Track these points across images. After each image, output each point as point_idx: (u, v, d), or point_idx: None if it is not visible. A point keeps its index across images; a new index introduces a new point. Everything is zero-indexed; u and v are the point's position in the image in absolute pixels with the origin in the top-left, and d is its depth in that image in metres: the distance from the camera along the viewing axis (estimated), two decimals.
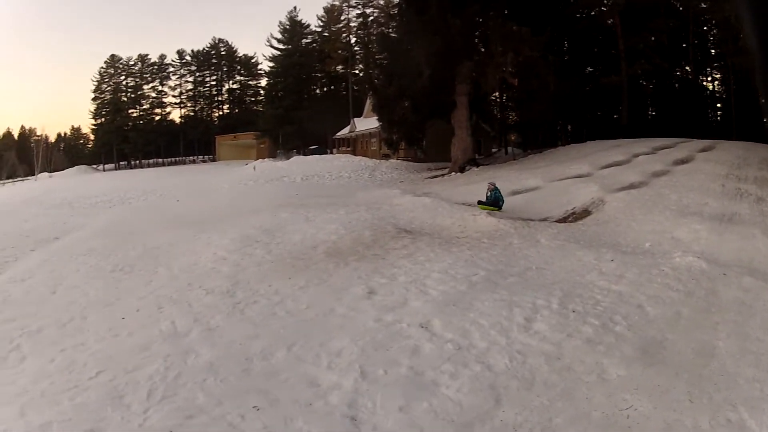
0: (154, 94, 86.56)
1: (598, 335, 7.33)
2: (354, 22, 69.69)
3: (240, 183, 34.93)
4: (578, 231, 14.34)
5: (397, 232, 14.42)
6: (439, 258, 11.71)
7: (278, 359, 7.24)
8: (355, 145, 53.47)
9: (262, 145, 71.04)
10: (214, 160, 77.22)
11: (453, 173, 29.43)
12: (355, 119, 53.77)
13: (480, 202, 17.57)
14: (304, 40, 72.82)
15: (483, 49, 29.36)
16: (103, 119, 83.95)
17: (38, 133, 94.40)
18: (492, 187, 17.84)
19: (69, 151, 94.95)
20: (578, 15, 39.73)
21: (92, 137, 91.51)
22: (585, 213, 16.01)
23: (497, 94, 39.23)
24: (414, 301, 9.12)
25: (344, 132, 57.06)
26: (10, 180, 76.24)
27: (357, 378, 6.54)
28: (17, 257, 17.07)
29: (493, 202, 17.27)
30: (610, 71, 37.95)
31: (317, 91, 74.56)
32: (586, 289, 9.24)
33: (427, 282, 10.05)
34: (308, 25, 73.68)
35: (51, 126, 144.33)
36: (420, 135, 32.70)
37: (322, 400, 6.15)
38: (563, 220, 15.87)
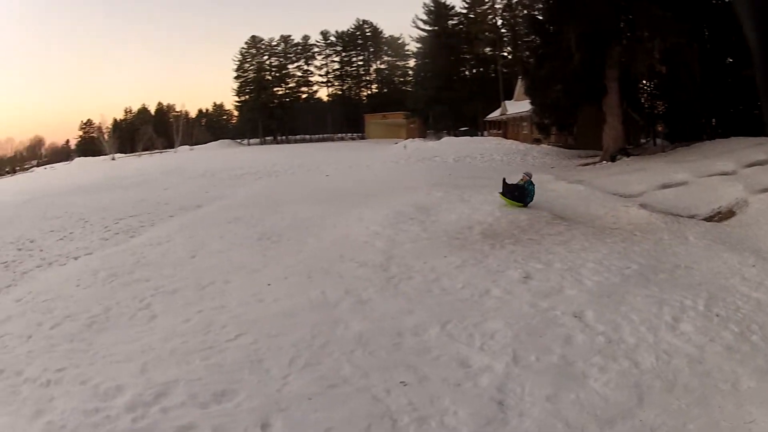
0: (299, 74, 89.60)
1: (737, 343, 6.83)
2: (499, 3, 68.84)
3: (390, 161, 35.20)
4: (724, 232, 13.39)
5: (552, 218, 14.06)
6: (594, 248, 11.32)
7: (430, 336, 7.18)
8: (505, 128, 52.83)
9: (411, 125, 71.71)
10: (362, 138, 78.71)
11: (604, 162, 28.36)
12: (506, 102, 53.05)
13: (504, 194, 15.39)
14: (450, 22, 72.49)
15: (629, 34, 28.10)
16: (247, 96, 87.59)
17: (177, 109, 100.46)
18: (527, 178, 15.90)
19: (211, 127, 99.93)
20: (715, 1, 37.18)
21: (236, 113, 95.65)
22: (730, 213, 14.85)
23: (645, 82, 37.39)
24: (569, 289, 8.84)
25: (495, 114, 56.48)
26: (147, 152, 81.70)
27: (509, 362, 6.40)
28: (154, 223, 18.29)
29: (520, 196, 15.28)
30: (750, 63, 34.47)
31: (466, 73, 74.07)
32: (729, 294, 8.60)
33: (582, 271, 9.72)
34: (452, 7, 73.33)
35: (191, 103, 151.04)
36: (571, 120, 31.88)
37: (472, 382, 6.05)
38: (710, 218, 14.83)
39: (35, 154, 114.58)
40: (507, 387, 5.92)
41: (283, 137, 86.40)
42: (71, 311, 9.68)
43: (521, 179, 15.97)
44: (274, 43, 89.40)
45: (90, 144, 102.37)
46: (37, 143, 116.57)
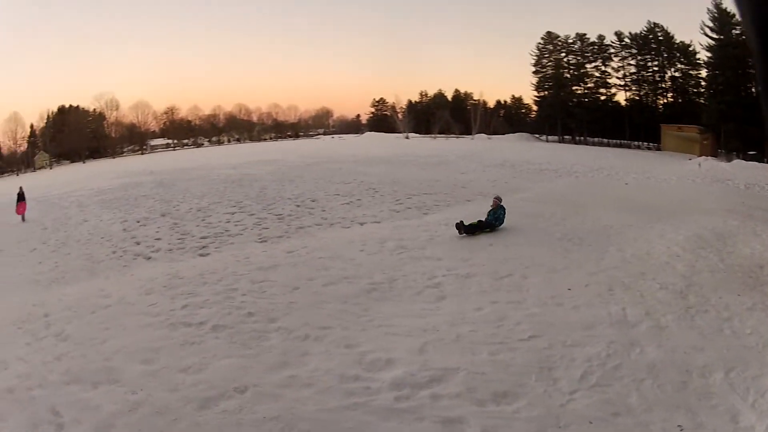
0: (597, 74, 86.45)
1: None
2: None
3: (686, 178, 32.44)
4: None
5: None
6: None
7: (715, 381, 6.41)
8: None
9: (705, 141, 66.15)
10: (658, 149, 74.66)
11: None
12: None
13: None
14: (734, 31, 65.04)
15: None
16: (546, 92, 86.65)
17: (475, 98, 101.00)
18: (497, 203, 14.88)
19: (509, 119, 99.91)
20: None
21: (534, 108, 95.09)
22: None
23: None
24: None
25: None
26: (443, 135, 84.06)
27: None
28: (449, 204, 18.63)
29: (486, 223, 14.24)
30: None
31: (751, 90, 66.18)
32: None
33: None
34: (734, 14, 65.27)
35: (489, 93, 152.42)
36: None
37: None
38: None
39: (322, 124, 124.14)
40: None
41: (581, 137, 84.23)
42: (350, 273, 10.31)
43: (491, 205, 15.00)
44: (570, 41, 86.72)
45: (382, 121, 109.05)
46: (325, 114, 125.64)
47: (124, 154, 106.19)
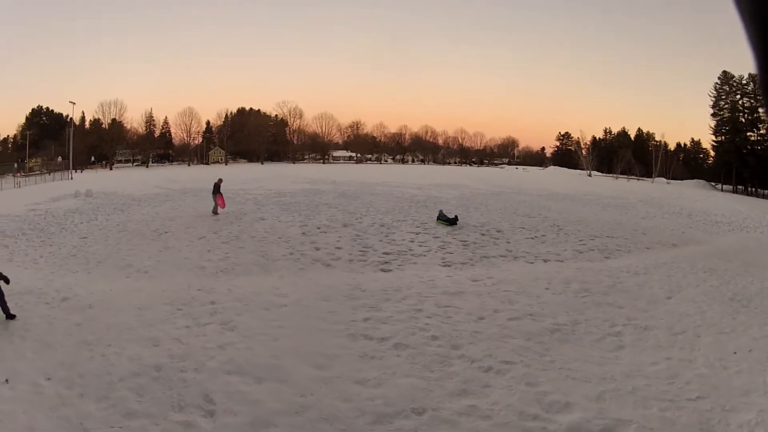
0: None
1: None
2: None
3: None
4: None
5: None
6: None
7: None
8: None
9: None
10: None
11: None
12: None
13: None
14: None
15: None
16: (722, 137, 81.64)
17: (656, 139, 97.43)
18: None
19: (688, 163, 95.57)
20: None
21: (712, 153, 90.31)
22: None
23: None
24: None
25: None
26: (624, 176, 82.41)
27: None
28: (630, 249, 17.90)
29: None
30: None
31: None
32: None
33: None
34: None
35: (670, 134, 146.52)
36: None
37: None
38: None
39: (507, 153, 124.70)
40: None
41: (752, 188, 78.42)
42: (535, 311, 10.14)
43: None
44: (744, 81, 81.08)
45: (565, 155, 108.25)
46: (510, 143, 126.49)
47: (305, 161, 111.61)
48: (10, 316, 10.03)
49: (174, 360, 7.76)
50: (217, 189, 24.10)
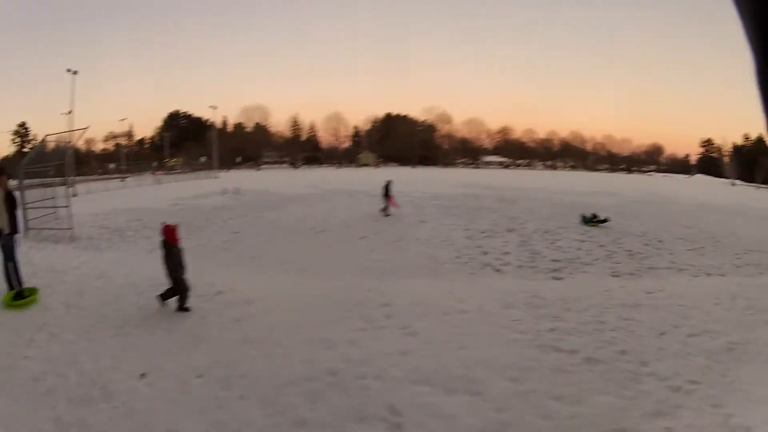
0: None
1: None
2: None
3: None
4: None
5: None
6: None
7: None
8: None
9: None
10: None
11: None
12: None
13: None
14: None
15: None
16: None
17: None
18: None
19: None
20: None
21: None
22: None
23: None
24: None
25: None
26: (765, 185, 77.66)
27: None
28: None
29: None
30: None
31: None
32: None
33: None
34: None
35: None
36: None
37: None
38: None
39: (653, 160, 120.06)
40: None
41: None
42: (710, 327, 9.91)
43: None
44: None
45: (709, 162, 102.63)
46: (656, 150, 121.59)
47: (456, 166, 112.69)
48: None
49: (351, 365, 7.38)
50: (387, 190, 25.05)
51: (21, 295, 10.37)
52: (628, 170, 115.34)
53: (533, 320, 9.65)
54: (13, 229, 10.64)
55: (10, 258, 10.54)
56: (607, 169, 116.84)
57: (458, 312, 9.95)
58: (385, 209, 25.07)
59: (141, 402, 6.28)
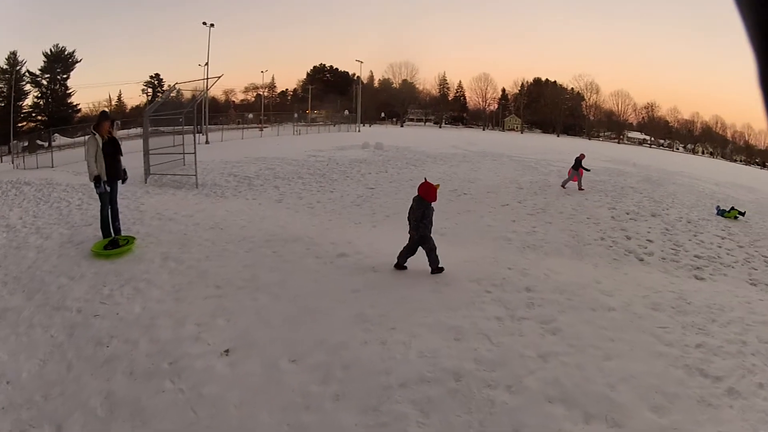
0: None
1: None
2: None
3: None
4: None
5: None
6: None
7: None
8: None
9: None
10: None
11: None
12: None
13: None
14: None
15: None
16: None
17: None
18: None
19: None
20: None
21: None
22: None
23: None
24: None
25: None
26: None
27: None
28: None
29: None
30: None
31: None
32: None
33: None
34: None
35: None
36: None
37: None
38: None
39: None
40: None
41: None
42: None
43: None
44: None
45: None
46: None
47: (600, 138, 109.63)
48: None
49: (480, 367, 5.91)
50: (578, 164, 23.85)
51: (115, 244, 10.01)
52: (763, 165, 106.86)
53: (680, 330, 7.76)
54: (114, 176, 10.53)
55: (107, 205, 10.47)
56: (743, 161, 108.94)
57: (605, 309, 8.26)
58: (565, 182, 23.87)
59: (213, 386, 5.47)
